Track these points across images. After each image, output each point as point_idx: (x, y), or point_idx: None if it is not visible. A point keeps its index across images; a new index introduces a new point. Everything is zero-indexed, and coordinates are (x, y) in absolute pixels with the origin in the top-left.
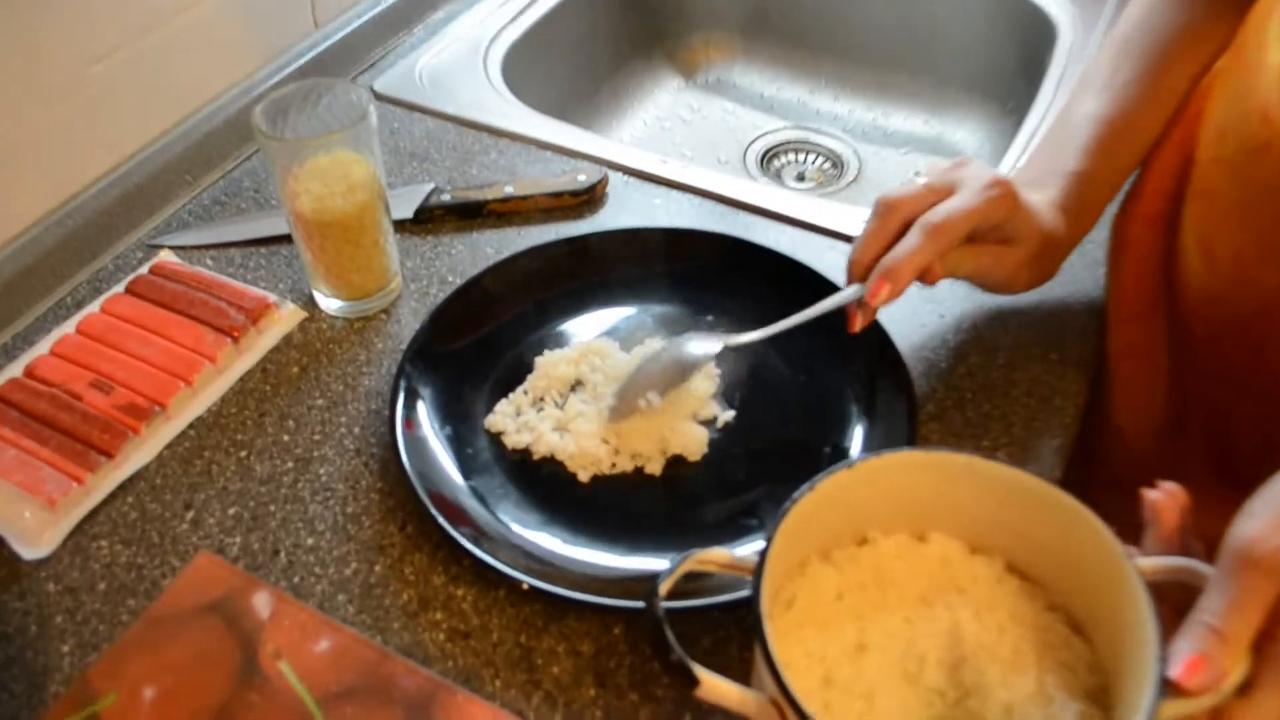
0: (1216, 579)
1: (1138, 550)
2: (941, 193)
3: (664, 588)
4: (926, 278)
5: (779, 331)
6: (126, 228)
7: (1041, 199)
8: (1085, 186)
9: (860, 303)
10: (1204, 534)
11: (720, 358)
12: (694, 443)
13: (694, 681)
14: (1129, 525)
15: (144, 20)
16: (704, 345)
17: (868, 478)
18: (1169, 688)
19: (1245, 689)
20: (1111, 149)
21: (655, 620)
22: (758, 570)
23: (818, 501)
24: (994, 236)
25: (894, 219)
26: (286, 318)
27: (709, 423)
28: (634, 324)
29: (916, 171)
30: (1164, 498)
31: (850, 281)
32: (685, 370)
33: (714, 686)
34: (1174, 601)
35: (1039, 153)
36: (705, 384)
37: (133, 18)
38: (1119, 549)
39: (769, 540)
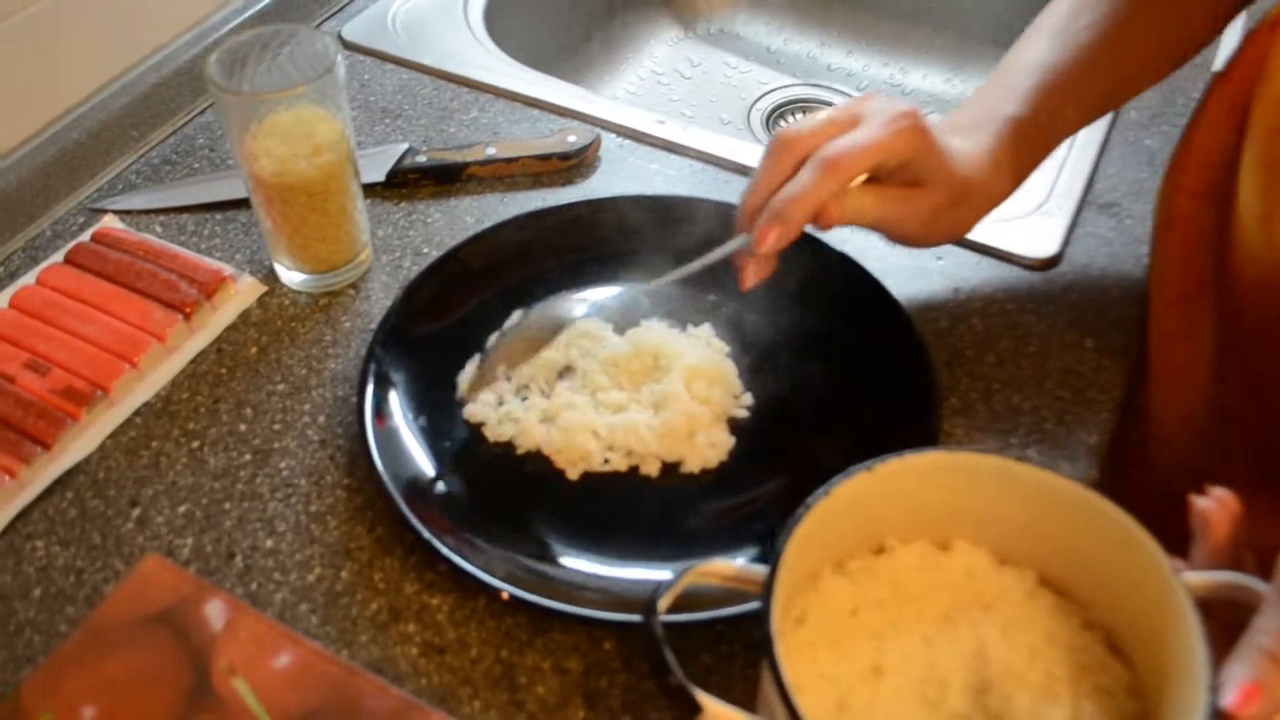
0: (1273, 598)
1: (1184, 564)
2: (843, 126)
3: (663, 603)
4: (821, 220)
5: (661, 284)
6: (65, 190)
7: (969, 144)
8: (1021, 134)
9: (750, 252)
10: (1249, 542)
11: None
12: (713, 456)
13: (696, 708)
14: (1168, 533)
15: None
16: (569, 308)
17: (888, 481)
18: (1220, 718)
19: None
20: (1056, 97)
21: (654, 639)
22: (768, 585)
23: (833, 508)
24: (901, 177)
25: (789, 157)
26: (244, 292)
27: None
28: (628, 303)
29: None
30: (1215, 507)
31: (740, 229)
32: (550, 334)
33: (718, 714)
34: (1223, 620)
35: (977, 96)
36: (731, 378)
37: None
38: (1165, 563)
39: (780, 551)
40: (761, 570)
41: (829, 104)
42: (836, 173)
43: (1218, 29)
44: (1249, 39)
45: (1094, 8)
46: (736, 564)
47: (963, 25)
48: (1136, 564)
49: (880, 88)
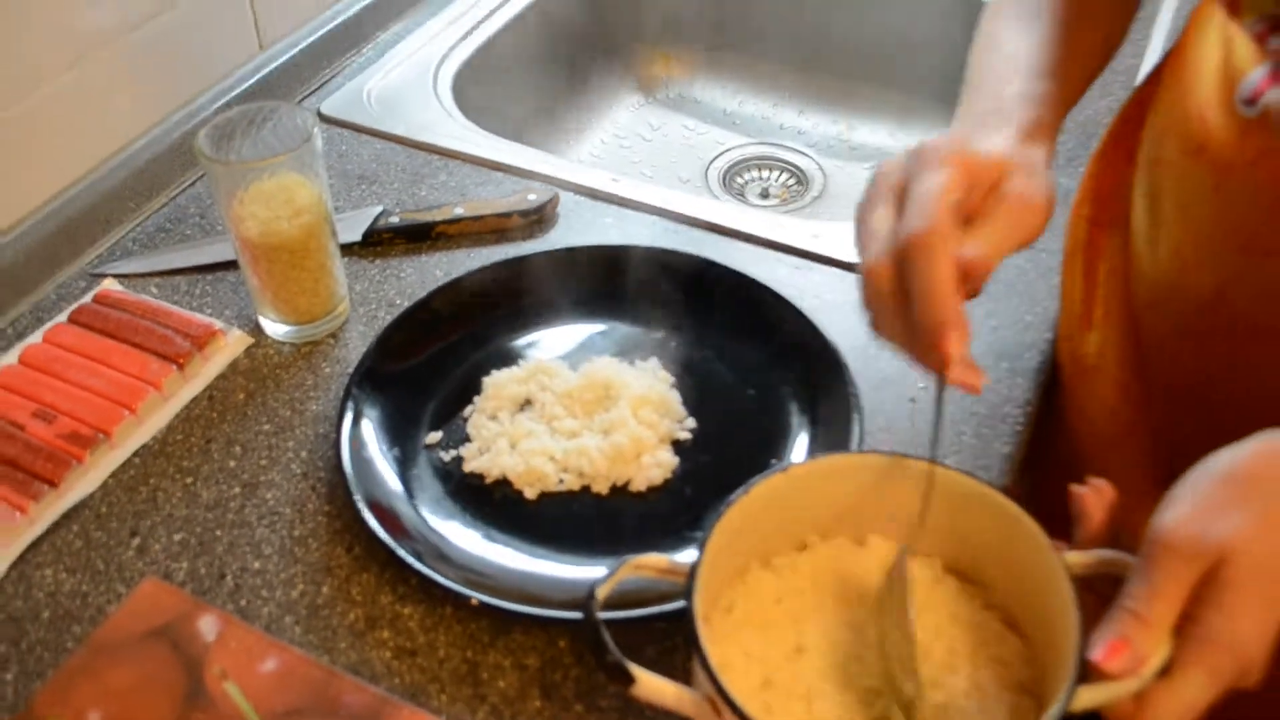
0: (1139, 566)
1: (1067, 546)
2: (908, 207)
3: (602, 591)
4: (978, 282)
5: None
6: (69, 256)
7: (1000, 140)
8: (1039, 106)
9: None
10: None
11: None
12: (658, 475)
13: (630, 680)
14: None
15: (85, 44)
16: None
17: (803, 481)
18: (1091, 671)
19: (1166, 672)
20: (1040, 76)
21: (593, 622)
22: (693, 567)
23: (754, 505)
24: (979, 197)
25: (885, 280)
26: (233, 344)
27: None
28: (582, 343)
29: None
30: (1091, 494)
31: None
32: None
33: (651, 685)
34: (1104, 594)
35: (974, 98)
36: (674, 405)
37: (74, 41)
38: (1047, 544)
39: (705, 540)
40: (689, 559)
41: (783, 161)
42: (935, 239)
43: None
44: (1140, 87)
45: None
46: (668, 558)
47: (906, 83)
48: (1025, 547)
49: (830, 144)
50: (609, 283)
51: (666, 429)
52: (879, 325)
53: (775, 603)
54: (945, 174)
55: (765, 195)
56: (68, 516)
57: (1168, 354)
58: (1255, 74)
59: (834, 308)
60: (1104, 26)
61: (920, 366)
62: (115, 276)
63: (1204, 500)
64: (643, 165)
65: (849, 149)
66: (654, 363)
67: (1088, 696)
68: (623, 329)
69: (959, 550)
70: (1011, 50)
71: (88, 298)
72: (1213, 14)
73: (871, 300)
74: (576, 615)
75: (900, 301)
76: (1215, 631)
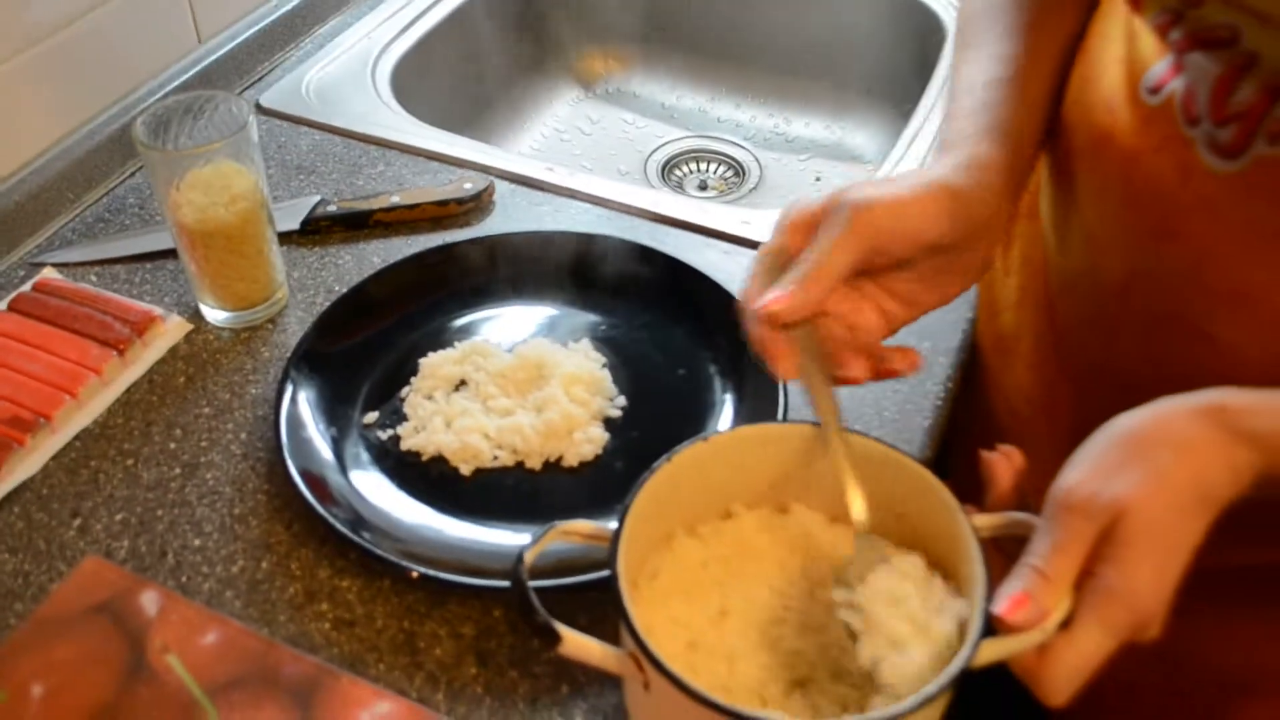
0: (1041, 526)
1: (978, 510)
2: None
3: (529, 555)
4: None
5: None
6: (7, 246)
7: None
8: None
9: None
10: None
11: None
12: (587, 450)
13: (557, 639)
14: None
15: (23, 36)
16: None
17: (726, 450)
18: (996, 624)
19: (1067, 624)
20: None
21: (521, 584)
22: (616, 530)
23: (678, 473)
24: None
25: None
26: (172, 330)
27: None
28: (516, 324)
29: (816, 177)
30: (1000, 459)
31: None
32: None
33: (576, 643)
34: (1012, 554)
35: (954, 120)
36: (605, 384)
37: (8, 35)
38: (955, 505)
39: (628, 505)
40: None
41: (720, 154)
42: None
43: None
44: None
45: (1006, 24)
46: (593, 523)
47: (838, 76)
48: (937, 510)
49: (766, 137)
50: (543, 268)
51: (598, 406)
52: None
53: (700, 568)
54: (844, 257)
55: (703, 187)
56: (9, 499)
57: (1079, 340)
58: (1159, 65)
59: None
60: (1070, 22)
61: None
62: (54, 265)
63: (1101, 461)
64: (583, 158)
65: (785, 141)
66: (585, 344)
67: (993, 649)
68: (556, 312)
69: (876, 515)
70: (967, 83)
71: (27, 286)
72: (1114, 8)
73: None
74: (510, 584)
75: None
76: (1112, 586)
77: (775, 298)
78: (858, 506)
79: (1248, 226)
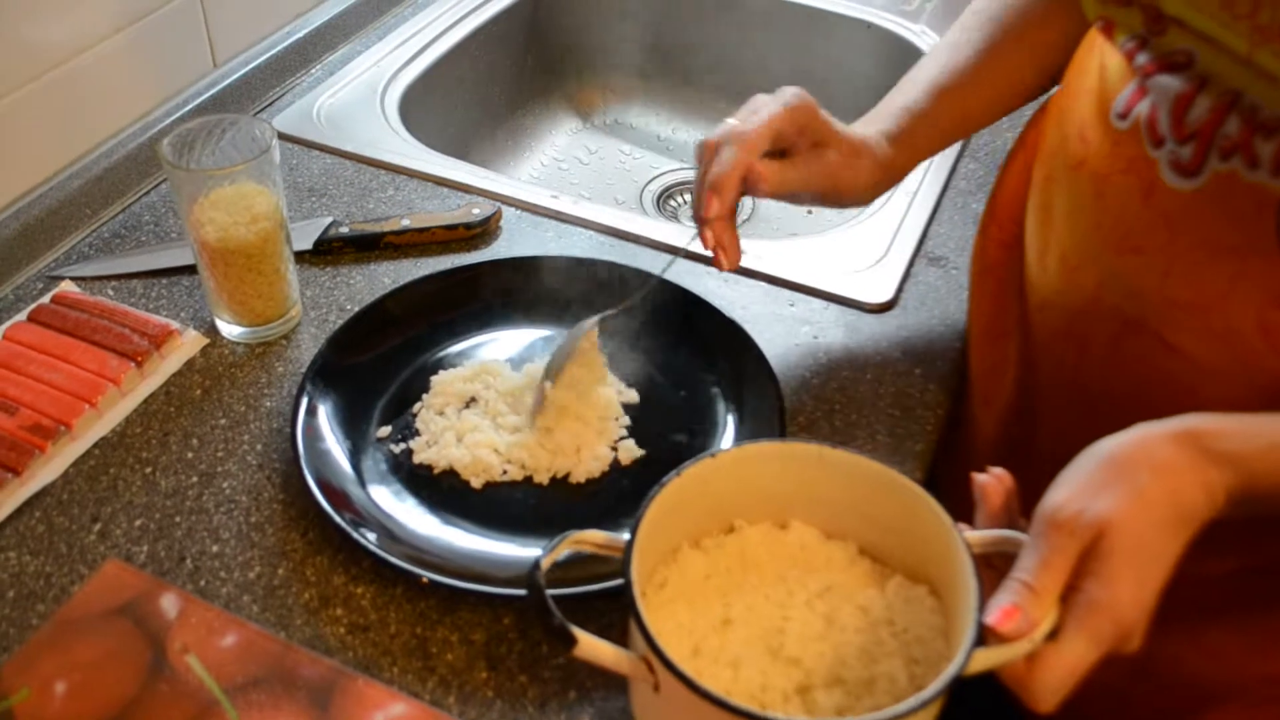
0: (1029, 542)
1: (968, 527)
2: (745, 117)
3: (546, 561)
4: (756, 189)
5: (638, 300)
6: (27, 259)
7: (868, 128)
8: (913, 121)
9: (714, 233)
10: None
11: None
12: (594, 467)
13: (573, 641)
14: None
15: (44, 59)
16: (585, 321)
17: (730, 467)
18: (987, 634)
19: (1054, 635)
20: (942, 95)
21: (538, 589)
22: (630, 540)
23: (685, 487)
24: (805, 144)
25: (709, 152)
26: (189, 344)
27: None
28: (524, 345)
29: (808, 210)
30: (991, 480)
31: (700, 232)
32: (568, 349)
33: (591, 646)
34: (1001, 570)
35: (883, 101)
36: (614, 405)
37: (33, 56)
38: (949, 523)
39: (640, 517)
40: (626, 537)
41: None
42: (744, 142)
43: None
44: (1033, 117)
45: (976, 27)
46: (605, 533)
47: (830, 112)
48: (931, 527)
49: None
50: (550, 291)
51: (605, 427)
52: (695, 188)
53: (704, 579)
54: (786, 112)
55: None
56: (30, 503)
57: (1055, 354)
58: (1126, 90)
59: (760, 318)
60: (1040, 53)
61: (695, 220)
62: (72, 279)
63: (1086, 481)
64: (580, 187)
65: None
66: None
67: (984, 658)
68: (562, 334)
69: (872, 533)
70: (923, 73)
71: (46, 298)
72: (1094, 43)
73: (699, 155)
74: (521, 592)
75: (709, 169)
76: (1096, 599)
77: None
78: None
79: (1205, 240)
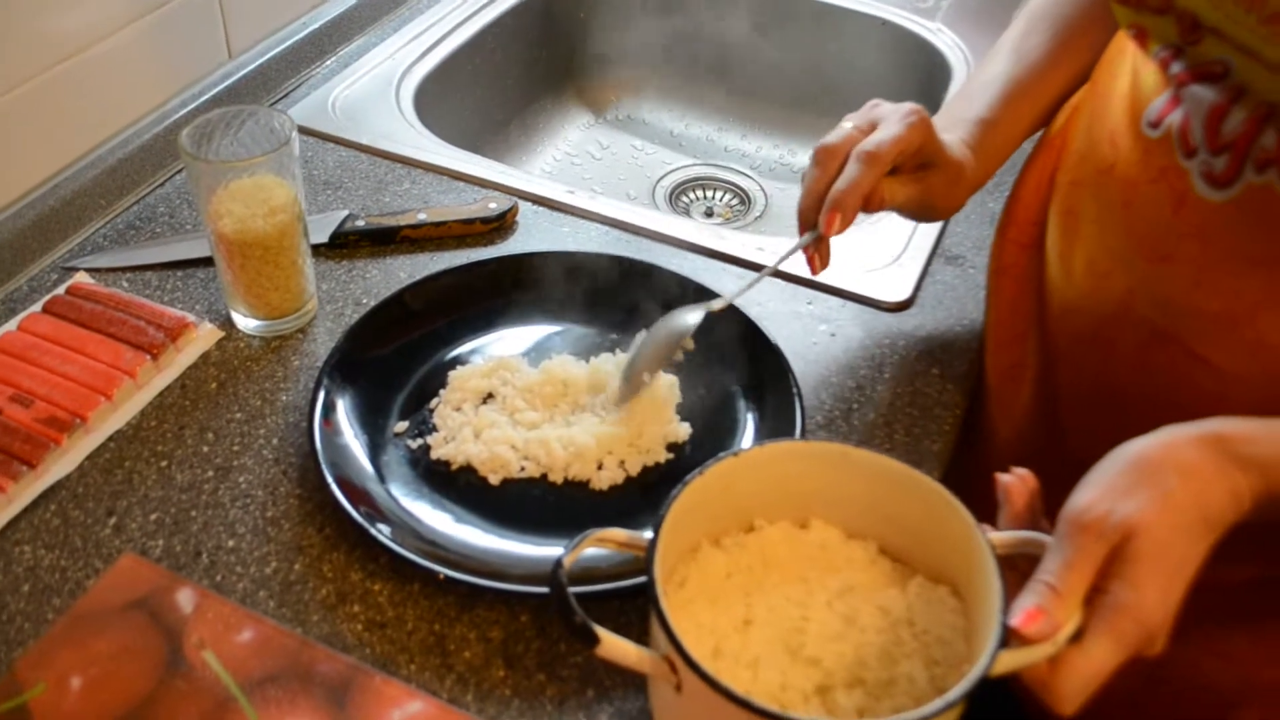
0: (1054, 544)
1: (991, 528)
2: (866, 130)
3: (568, 560)
4: (870, 205)
5: (752, 286)
6: (41, 250)
7: (952, 136)
8: (989, 132)
9: (817, 243)
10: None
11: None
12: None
13: (595, 640)
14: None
15: (59, 50)
16: (688, 315)
17: (752, 465)
18: (1011, 636)
19: (1077, 637)
20: (1015, 102)
21: (560, 587)
22: (653, 538)
23: (707, 486)
24: (913, 164)
25: (833, 161)
26: (204, 337)
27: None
28: (541, 341)
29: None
30: (1015, 481)
31: (802, 230)
32: (675, 342)
33: (613, 645)
34: (1025, 572)
35: (951, 105)
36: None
37: (47, 48)
38: (973, 523)
39: (663, 515)
40: (648, 535)
41: (727, 182)
42: (875, 163)
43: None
44: (1057, 119)
45: (1042, 29)
46: (627, 532)
47: (844, 110)
48: (954, 528)
49: (772, 167)
50: (567, 286)
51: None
52: (809, 180)
53: (725, 578)
54: (910, 133)
55: (709, 214)
56: (45, 496)
57: (1079, 360)
58: (1159, 100)
59: (777, 315)
60: (1105, 35)
61: (800, 223)
62: (87, 270)
63: (1112, 484)
64: (593, 182)
65: (790, 172)
66: (605, 358)
67: (1008, 660)
68: (579, 330)
69: (893, 534)
70: (992, 82)
71: (61, 289)
72: (1124, 46)
73: (820, 160)
74: (539, 590)
75: (830, 182)
76: (1121, 601)
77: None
78: None
79: (1236, 252)
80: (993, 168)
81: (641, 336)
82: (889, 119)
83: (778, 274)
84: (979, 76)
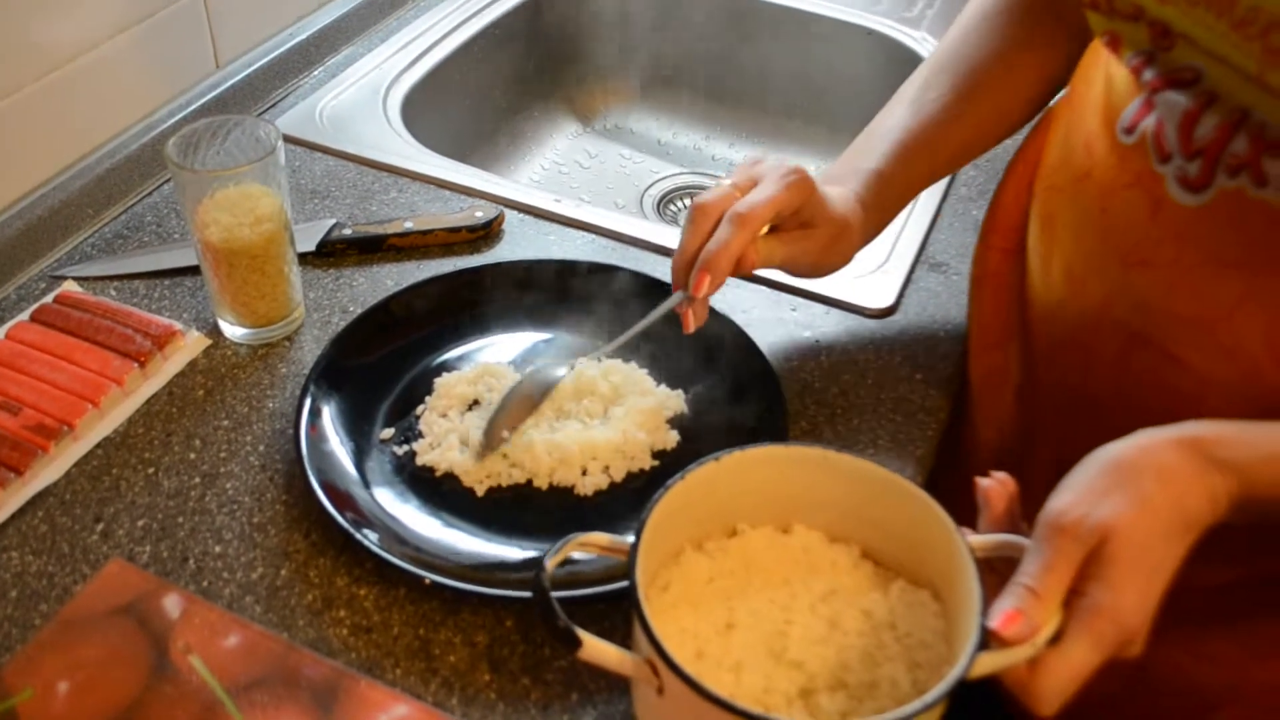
0: (1032, 547)
1: (971, 531)
2: (745, 188)
3: (551, 563)
4: (742, 267)
5: (620, 343)
6: (29, 259)
7: (840, 191)
8: (882, 185)
9: (689, 302)
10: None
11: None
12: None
13: (577, 643)
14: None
15: (47, 60)
16: (553, 372)
17: (734, 470)
18: (991, 638)
19: (1056, 639)
20: (910, 156)
21: (543, 591)
22: (635, 541)
23: (690, 490)
24: (794, 223)
25: (706, 220)
26: (191, 345)
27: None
28: (527, 349)
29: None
30: (994, 485)
31: (676, 286)
32: (538, 399)
33: (595, 647)
34: (1004, 574)
35: (848, 154)
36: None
37: (35, 58)
38: (953, 527)
39: (644, 520)
40: (630, 539)
41: None
42: (748, 225)
43: (1034, 112)
44: (1035, 126)
45: (942, 82)
46: (609, 536)
47: (830, 119)
48: (934, 531)
49: None
50: (553, 294)
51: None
52: (684, 238)
53: (707, 583)
54: (788, 193)
55: None
56: (33, 503)
57: (1059, 365)
58: (1132, 105)
59: (761, 322)
60: (1015, 87)
61: (674, 281)
62: (75, 279)
63: (1089, 487)
64: (581, 190)
65: None
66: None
67: (988, 662)
68: (566, 337)
69: (874, 536)
70: (889, 134)
71: (48, 298)
72: (1099, 53)
73: (694, 219)
74: (523, 594)
75: (703, 241)
76: (1099, 603)
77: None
78: None
79: (1211, 256)
80: (885, 219)
81: (506, 390)
82: (768, 178)
83: (764, 281)
84: (877, 127)
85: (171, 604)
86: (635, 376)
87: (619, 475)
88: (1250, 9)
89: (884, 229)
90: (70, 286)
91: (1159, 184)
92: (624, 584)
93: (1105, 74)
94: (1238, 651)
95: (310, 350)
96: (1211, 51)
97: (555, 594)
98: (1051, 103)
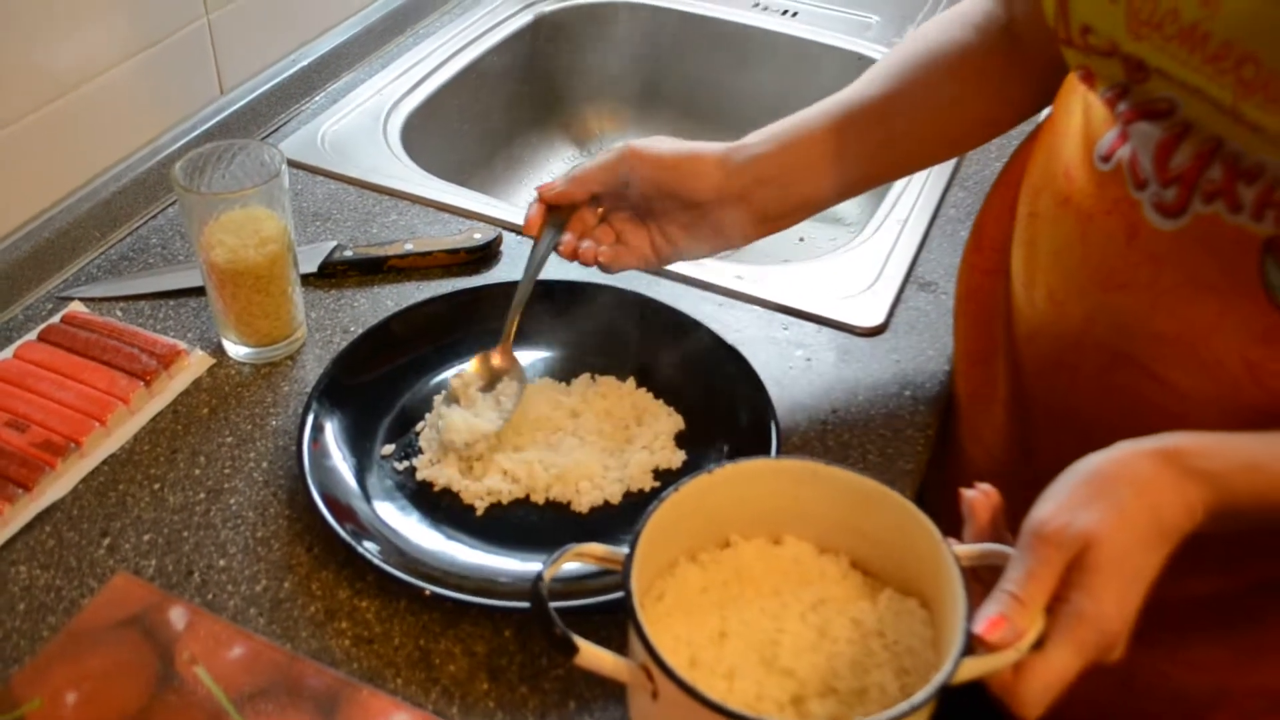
0: (1016, 555)
1: (957, 541)
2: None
3: (548, 572)
4: (658, 255)
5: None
6: (37, 280)
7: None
8: (800, 138)
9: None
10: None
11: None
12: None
13: (574, 649)
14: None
15: (54, 86)
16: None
17: (726, 483)
18: (976, 643)
19: (1039, 645)
20: (839, 123)
21: (540, 599)
22: (629, 554)
23: (683, 503)
24: (676, 206)
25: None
26: (196, 364)
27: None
28: (525, 368)
29: (800, 238)
30: (978, 496)
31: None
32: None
33: (592, 654)
34: (988, 583)
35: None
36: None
37: (43, 84)
38: (939, 536)
39: (639, 531)
40: (624, 550)
41: None
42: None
43: (971, 145)
44: (1018, 149)
45: (896, 59)
46: (606, 546)
47: None
48: (921, 541)
49: None
50: (551, 315)
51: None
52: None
53: (701, 593)
54: (609, 159)
55: None
56: (40, 518)
57: (1044, 384)
58: (1109, 135)
59: (754, 341)
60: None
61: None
62: (82, 300)
63: (1071, 496)
64: None
65: None
66: (585, 379)
67: (973, 666)
68: (563, 356)
69: (863, 547)
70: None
71: (56, 318)
72: (1077, 84)
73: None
74: (522, 605)
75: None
76: (1081, 610)
77: (547, 184)
78: None
79: (1188, 278)
80: (797, 182)
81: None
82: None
83: (756, 300)
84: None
85: (177, 616)
86: (643, 400)
87: (615, 495)
88: (1222, 44)
89: (820, 193)
90: (77, 307)
91: (1135, 210)
92: (620, 594)
93: (1084, 103)
94: (1225, 655)
95: (312, 369)
96: (1185, 84)
97: (553, 604)
98: (1038, 119)
